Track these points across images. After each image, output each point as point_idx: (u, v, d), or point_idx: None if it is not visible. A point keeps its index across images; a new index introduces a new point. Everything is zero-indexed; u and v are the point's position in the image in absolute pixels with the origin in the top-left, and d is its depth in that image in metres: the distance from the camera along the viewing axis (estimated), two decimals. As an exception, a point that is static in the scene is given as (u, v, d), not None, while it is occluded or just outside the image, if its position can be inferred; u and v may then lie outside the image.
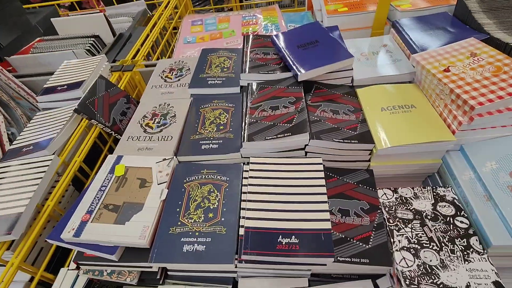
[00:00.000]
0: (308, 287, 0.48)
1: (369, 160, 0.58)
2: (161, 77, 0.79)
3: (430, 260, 0.44)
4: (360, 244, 0.47)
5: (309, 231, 0.44)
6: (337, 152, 0.56)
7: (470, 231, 0.46)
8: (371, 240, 0.47)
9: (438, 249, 0.45)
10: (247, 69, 0.69)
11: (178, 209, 0.50)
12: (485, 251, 0.43)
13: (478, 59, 0.55)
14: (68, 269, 0.54)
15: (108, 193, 0.53)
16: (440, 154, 0.55)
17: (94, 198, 0.52)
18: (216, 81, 0.72)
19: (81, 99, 0.70)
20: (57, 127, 0.69)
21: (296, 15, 1.27)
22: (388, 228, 0.49)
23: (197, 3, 2.09)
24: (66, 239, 0.48)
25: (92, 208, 0.51)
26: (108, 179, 0.55)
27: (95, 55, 0.98)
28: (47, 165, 0.60)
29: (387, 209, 0.52)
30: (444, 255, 0.44)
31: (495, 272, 0.41)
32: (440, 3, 0.78)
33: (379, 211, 0.51)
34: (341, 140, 0.55)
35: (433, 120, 0.55)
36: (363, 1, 0.86)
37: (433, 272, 0.42)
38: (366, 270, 0.48)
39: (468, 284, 0.40)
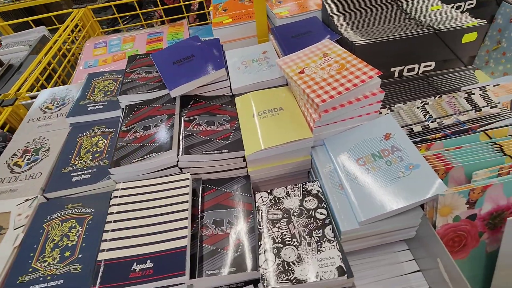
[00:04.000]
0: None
1: (246, 166, 0.59)
2: (41, 109, 0.74)
3: (289, 257, 0.45)
4: (231, 253, 0.47)
5: (164, 253, 0.43)
6: (211, 164, 0.57)
7: (326, 221, 0.48)
8: (240, 247, 0.48)
9: (297, 244, 0.47)
10: (124, 91, 0.67)
11: (32, 254, 0.46)
12: (335, 238, 0.46)
13: (328, 59, 0.60)
14: None
15: (-45, 249, 0.47)
16: (308, 151, 0.58)
17: None
18: (97, 106, 0.70)
19: None
20: None
21: (203, 29, 1.28)
22: (258, 231, 0.50)
23: (125, 21, 2.05)
24: None
25: None
26: (-43, 232, 0.50)
27: (-25, 92, 0.89)
28: None
29: (260, 212, 0.53)
30: (302, 250, 0.46)
31: (340, 258, 0.43)
32: (313, 9, 0.84)
33: (251, 215, 0.52)
34: (211, 152, 0.55)
35: (296, 120, 0.58)
36: (249, 12, 0.89)
37: (290, 268, 0.44)
38: (236, 278, 0.48)
39: (317, 273, 0.42)
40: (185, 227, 0.45)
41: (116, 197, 0.50)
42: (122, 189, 0.51)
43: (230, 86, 0.68)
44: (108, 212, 0.49)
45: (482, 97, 0.59)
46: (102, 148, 0.61)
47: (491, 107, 0.57)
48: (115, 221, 0.47)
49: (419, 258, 0.50)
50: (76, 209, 0.51)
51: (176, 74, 0.65)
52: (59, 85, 0.98)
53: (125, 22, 2.05)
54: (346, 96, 0.52)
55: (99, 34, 1.37)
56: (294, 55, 0.64)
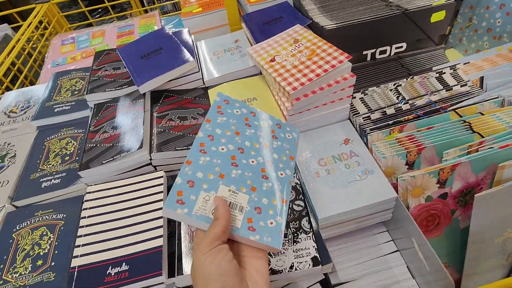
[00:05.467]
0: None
1: (222, 160, 0.58)
2: (5, 113, 0.70)
3: (266, 249, 0.45)
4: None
5: (139, 254, 0.42)
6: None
7: (303, 213, 0.48)
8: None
9: (275, 235, 0.46)
10: (92, 89, 0.64)
11: (2, 266, 0.44)
12: (311, 229, 0.46)
13: (299, 45, 0.59)
14: None
15: None
16: (284, 140, 0.57)
17: None
18: (64, 107, 0.67)
19: None
20: None
21: (178, 19, 1.24)
22: (236, 225, 0.49)
23: (97, 15, 1.97)
24: None
25: None
26: None
27: None
28: None
29: (239, 206, 0.52)
30: (279, 240, 0.46)
31: (315, 248, 0.44)
32: (284, -7, 0.81)
33: (229, 210, 0.51)
34: (184, 147, 0.54)
35: (270, 109, 0.57)
36: (219, 0, 0.86)
37: (267, 260, 0.44)
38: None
39: (292, 264, 0.42)
40: (160, 226, 0.44)
41: (87, 200, 0.49)
42: (93, 192, 0.50)
43: (203, 78, 0.66)
44: (81, 217, 0.47)
45: (452, 76, 0.60)
46: (72, 151, 0.59)
47: (461, 86, 0.58)
48: (87, 226, 0.46)
49: (397, 239, 0.51)
50: (46, 216, 0.49)
51: (144, 69, 0.63)
52: (27, 87, 0.93)
53: (98, 15, 1.97)
54: (317, 83, 0.52)
55: (67, 30, 1.31)
56: (264, 43, 0.62)
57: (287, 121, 0.54)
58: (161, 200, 0.48)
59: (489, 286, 0.34)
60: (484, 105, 0.53)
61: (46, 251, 0.45)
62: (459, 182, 0.44)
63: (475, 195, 0.40)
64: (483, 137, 0.48)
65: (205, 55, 0.72)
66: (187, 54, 0.64)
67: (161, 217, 0.46)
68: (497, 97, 0.53)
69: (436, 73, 0.60)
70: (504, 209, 0.41)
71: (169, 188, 0.53)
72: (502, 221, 0.43)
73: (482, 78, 0.57)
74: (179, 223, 0.50)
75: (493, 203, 0.41)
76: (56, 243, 0.46)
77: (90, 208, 0.48)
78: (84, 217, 0.47)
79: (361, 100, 0.59)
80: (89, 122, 0.59)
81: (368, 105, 0.58)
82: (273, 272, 0.42)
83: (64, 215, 0.49)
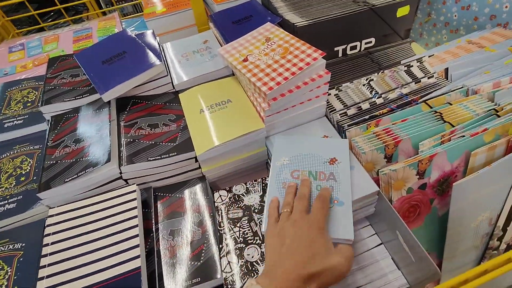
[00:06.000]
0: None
1: (200, 167, 0.55)
2: None
3: (252, 257, 0.43)
4: (193, 263, 0.44)
5: (116, 279, 0.38)
6: (160, 170, 0.52)
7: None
8: (202, 255, 0.45)
9: (260, 242, 0.45)
10: (47, 100, 0.58)
11: None
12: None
13: (271, 43, 0.57)
14: None
15: None
16: (262, 142, 0.56)
17: None
18: (15, 121, 0.59)
19: None
20: None
21: (140, 21, 1.17)
22: (219, 233, 0.47)
23: (50, 19, 1.83)
24: None
25: None
26: None
27: None
28: None
29: (220, 212, 0.50)
30: (263, 248, 0.44)
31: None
32: (252, -9, 0.80)
33: (210, 218, 0.49)
34: (157, 157, 0.50)
35: (246, 111, 0.55)
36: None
37: (253, 268, 0.42)
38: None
39: (282, 270, 0.41)
40: (137, 246, 0.41)
41: (50, 225, 0.43)
42: (56, 214, 0.45)
43: (172, 82, 0.63)
44: (43, 244, 0.42)
45: (420, 69, 0.62)
46: (28, 170, 0.53)
47: (428, 78, 0.60)
48: (52, 254, 0.41)
49: (380, 231, 0.51)
50: (1, 247, 0.43)
51: (107, 75, 0.58)
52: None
53: (50, 20, 1.84)
54: (293, 81, 0.51)
55: (14, 36, 1.19)
56: (235, 43, 0.60)
57: (264, 122, 0.53)
58: (135, 216, 0.44)
59: (465, 274, 0.34)
60: (451, 95, 0.55)
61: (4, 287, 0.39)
62: (436, 172, 0.45)
63: (453, 184, 0.41)
64: (453, 126, 0.50)
65: (172, 57, 0.68)
66: (153, 57, 0.60)
67: (137, 236, 0.42)
68: (462, 87, 0.56)
69: (405, 66, 0.62)
70: (478, 194, 0.43)
71: (143, 202, 0.49)
72: (477, 206, 0.44)
73: (447, 70, 0.60)
74: (157, 239, 0.46)
75: (469, 190, 0.42)
76: (15, 277, 0.40)
77: (53, 233, 0.43)
78: (47, 244, 0.42)
79: (336, 97, 0.59)
80: (47, 137, 0.53)
81: (343, 101, 0.58)
82: (263, 281, 0.40)
83: (23, 244, 0.43)
